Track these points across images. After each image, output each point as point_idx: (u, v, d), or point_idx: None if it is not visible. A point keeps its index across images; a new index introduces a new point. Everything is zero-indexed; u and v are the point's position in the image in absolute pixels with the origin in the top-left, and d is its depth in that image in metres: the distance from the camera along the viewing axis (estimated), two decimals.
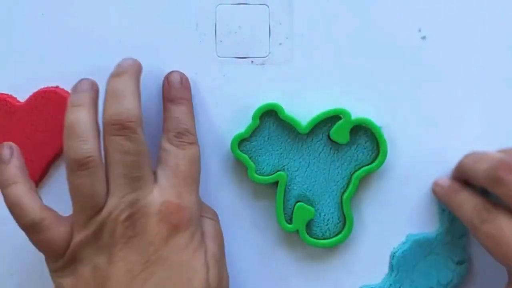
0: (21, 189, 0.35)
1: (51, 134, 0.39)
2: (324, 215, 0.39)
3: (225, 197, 0.40)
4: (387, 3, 0.39)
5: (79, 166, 0.34)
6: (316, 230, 0.39)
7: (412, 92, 0.39)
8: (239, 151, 0.38)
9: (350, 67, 0.39)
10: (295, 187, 0.39)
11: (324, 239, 0.39)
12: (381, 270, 0.40)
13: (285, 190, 0.39)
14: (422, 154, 0.40)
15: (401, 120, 0.40)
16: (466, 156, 0.38)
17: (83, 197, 0.35)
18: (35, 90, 0.39)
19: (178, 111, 0.37)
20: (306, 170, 0.39)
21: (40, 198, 0.36)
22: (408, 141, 0.40)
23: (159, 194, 0.35)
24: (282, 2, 0.39)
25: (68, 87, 0.39)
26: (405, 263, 0.39)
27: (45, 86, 0.39)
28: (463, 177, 0.38)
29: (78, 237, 0.35)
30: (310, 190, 0.39)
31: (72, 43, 0.39)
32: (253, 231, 0.40)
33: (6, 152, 0.36)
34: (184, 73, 0.39)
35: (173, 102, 0.37)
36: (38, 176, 0.39)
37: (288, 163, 0.39)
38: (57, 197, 0.40)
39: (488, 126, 0.39)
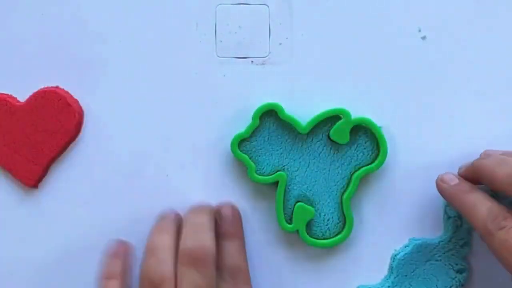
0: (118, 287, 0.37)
1: (51, 134, 0.39)
2: (324, 215, 0.39)
3: (225, 197, 0.40)
4: (387, 3, 0.39)
5: (152, 286, 0.35)
6: (316, 230, 0.39)
7: (412, 92, 0.39)
8: (239, 151, 0.38)
9: (350, 67, 0.39)
10: (295, 187, 0.39)
11: (324, 239, 0.39)
12: (380, 271, 0.40)
13: (285, 190, 0.39)
14: (422, 154, 0.40)
15: (401, 120, 0.39)
16: (484, 158, 0.37)
17: None
18: (35, 90, 0.39)
19: (232, 248, 0.37)
20: (306, 170, 0.39)
21: None
22: (408, 141, 0.40)
23: None
24: (282, 2, 0.39)
25: (68, 87, 0.40)
26: (405, 267, 0.39)
27: (45, 86, 0.39)
28: (477, 178, 0.37)
29: None
30: (310, 190, 0.39)
31: (72, 43, 0.39)
32: (253, 231, 0.40)
33: (120, 248, 0.38)
34: (184, 73, 0.39)
35: (226, 238, 0.37)
36: (38, 176, 0.39)
37: (288, 163, 0.39)
38: (57, 197, 0.40)
39: (489, 125, 0.39)
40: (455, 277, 0.39)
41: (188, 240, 0.36)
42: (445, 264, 0.39)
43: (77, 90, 0.40)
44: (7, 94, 0.40)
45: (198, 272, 0.35)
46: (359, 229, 0.40)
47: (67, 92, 0.39)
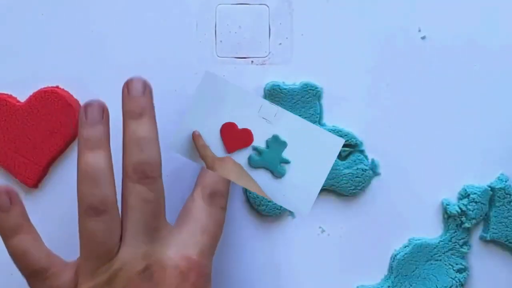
0: (25, 240, 0.33)
1: (51, 134, 0.39)
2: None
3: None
4: (387, 3, 0.39)
5: (94, 212, 0.32)
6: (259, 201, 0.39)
7: (412, 92, 0.39)
8: None
9: (349, 67, 0.39)
10: None
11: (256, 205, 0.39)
12: (380, 271, 0.40)
13: None
14: (422, 154, 0.40)
15: (401, 119, 0.39)
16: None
17: (95, 244, 0.33)
18: (35, 90, 0.39)
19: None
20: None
21: (44, 244, 0.34)
22: (408, 140, 0.40)
23: (181, 247, 0.34)
24: (282, 2, 0.39)
25: (68, 87, 0.40)
26: (405, 266, 0.39)
27: (45, 86, 0.39)
28: None
29: (85, 286, 0.33)
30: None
31: (72, 43, 0.39)
32: (251, 229, 0.40)
33: (4, 198, 0.33)
34: (184, 73, 0.39)
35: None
36: (38, 176, 0.39)
37: None
38: (57, 197, 0.40)
39: (489, 125, 0.39)
40: (455, 277, 0.39)
41: (132, 156, 0.33)
42: (445, 264, 0.39)
43: (77, 90, 0.40)
44: (7, 94, 0.40)
45: (146, 187, 0.33)
46: (359, 229, 0.40)
47: (67, 92, 0.39)
